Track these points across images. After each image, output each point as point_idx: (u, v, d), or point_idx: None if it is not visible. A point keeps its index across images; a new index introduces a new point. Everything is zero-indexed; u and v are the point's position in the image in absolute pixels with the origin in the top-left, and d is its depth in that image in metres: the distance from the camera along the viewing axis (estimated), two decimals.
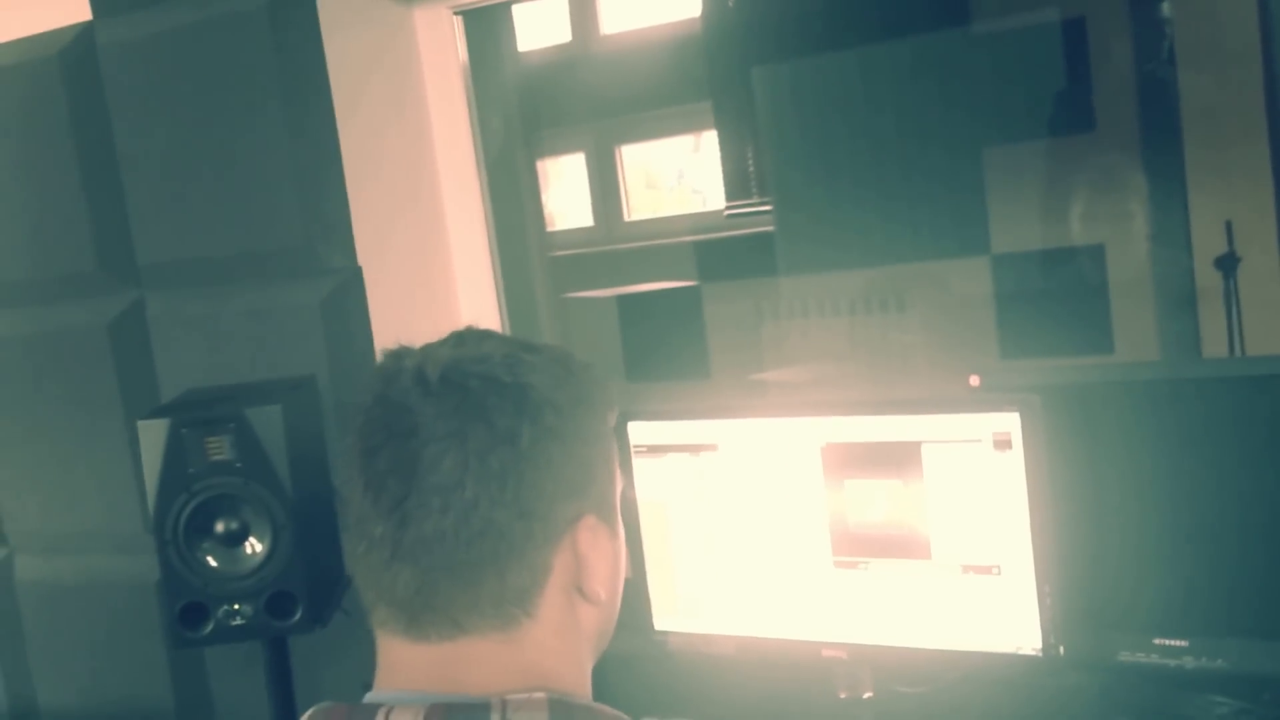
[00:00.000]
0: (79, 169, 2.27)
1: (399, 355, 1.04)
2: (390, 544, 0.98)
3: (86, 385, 2.32)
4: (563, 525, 1.02)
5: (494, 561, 0.98)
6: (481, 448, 0.98)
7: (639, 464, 1.86)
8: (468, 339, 1.06)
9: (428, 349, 1.04)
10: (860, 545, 1.72)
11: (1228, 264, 2.85)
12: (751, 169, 4.12)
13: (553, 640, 1.01)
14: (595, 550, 1.03)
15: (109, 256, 2.28)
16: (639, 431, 1.85)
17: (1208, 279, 2.89)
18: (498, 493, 0.98)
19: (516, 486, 0.98)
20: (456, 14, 2.29)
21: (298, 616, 1.83)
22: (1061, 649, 1.63)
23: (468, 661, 0.99)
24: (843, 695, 1.80)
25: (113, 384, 2.29)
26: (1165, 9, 3.01)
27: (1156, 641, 1.66)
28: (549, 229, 4.47)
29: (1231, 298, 2.85)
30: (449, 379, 1.00)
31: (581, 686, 1.05)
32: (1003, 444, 1.61)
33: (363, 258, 2.16)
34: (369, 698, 1.00)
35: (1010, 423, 1.61)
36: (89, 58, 2.24)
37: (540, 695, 0.96)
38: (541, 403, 1.01)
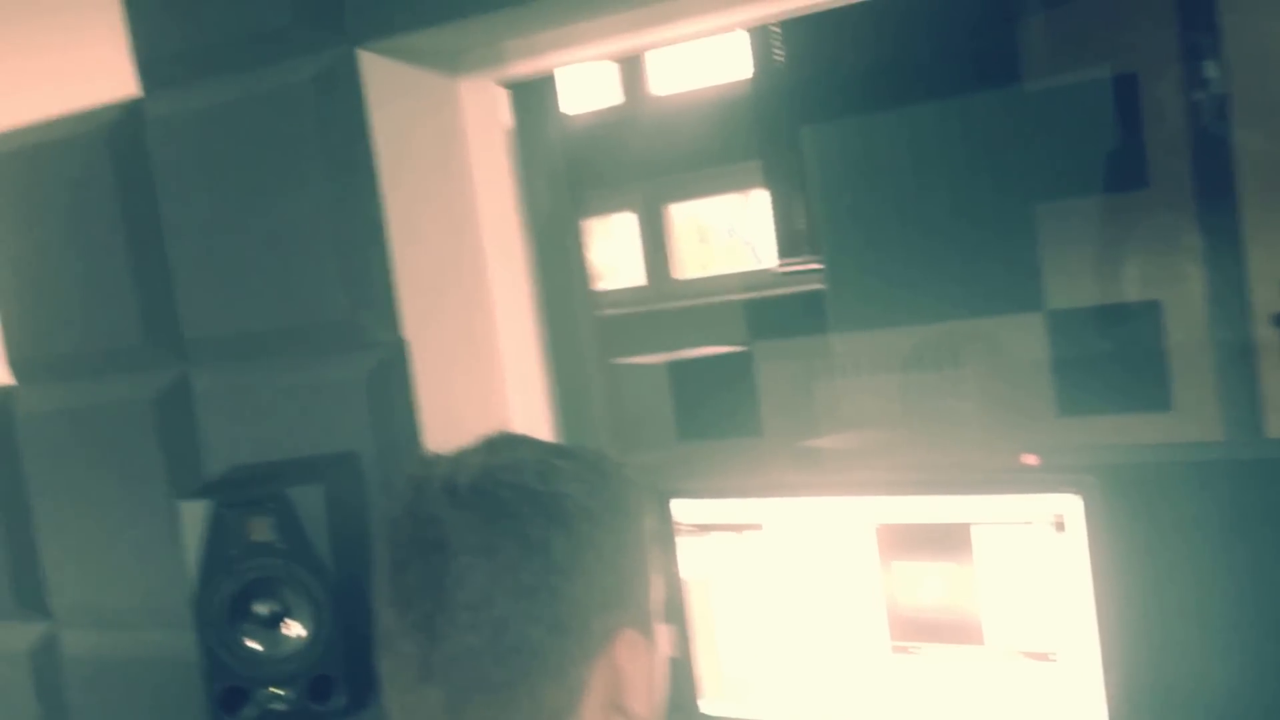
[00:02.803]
0: (125, 243, 2.28)
1: (429, 463, 1.01)
2: (419, 663, 0.95)
3: (131, 459, 2.31)
4: (600, 640, 0.98)
5: (527, 680, 0.95)
6: (513, 560, 0.95)
7: (683, 543, 1.82)
8: (499, 445, 1.03)
9: (458, 457, 1.01)
10: (913, 630, 1.67)
11: None
12: (802, 227, 4.10)
13: None
14: (634, 665, 0.99)
15: (155, 330, 2.29)
16: (683, 510, 1.82)
17: (1266, 335, 2.85)
18: (530, 607, 0.95)
19: (550, 600, 0.95)
20: (502, 85, 2.28)
21: (339, 700, 1.80)
22: None
23: None
24: None
25: (158, 458, 2.29)
26: (1219, 65, 2.97)
27: None
28: (599, 287, 4.47)
29: None
30: (479, 488, 0.97)
31: None
32: (1061, 526, 1.56)
33: (408, 331, 2.15)
34: None
35: (1068, 504, 1.56)
36: (137, 133, 2.25)
37: None
38: (575, 511, 0.97)
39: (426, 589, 0.95)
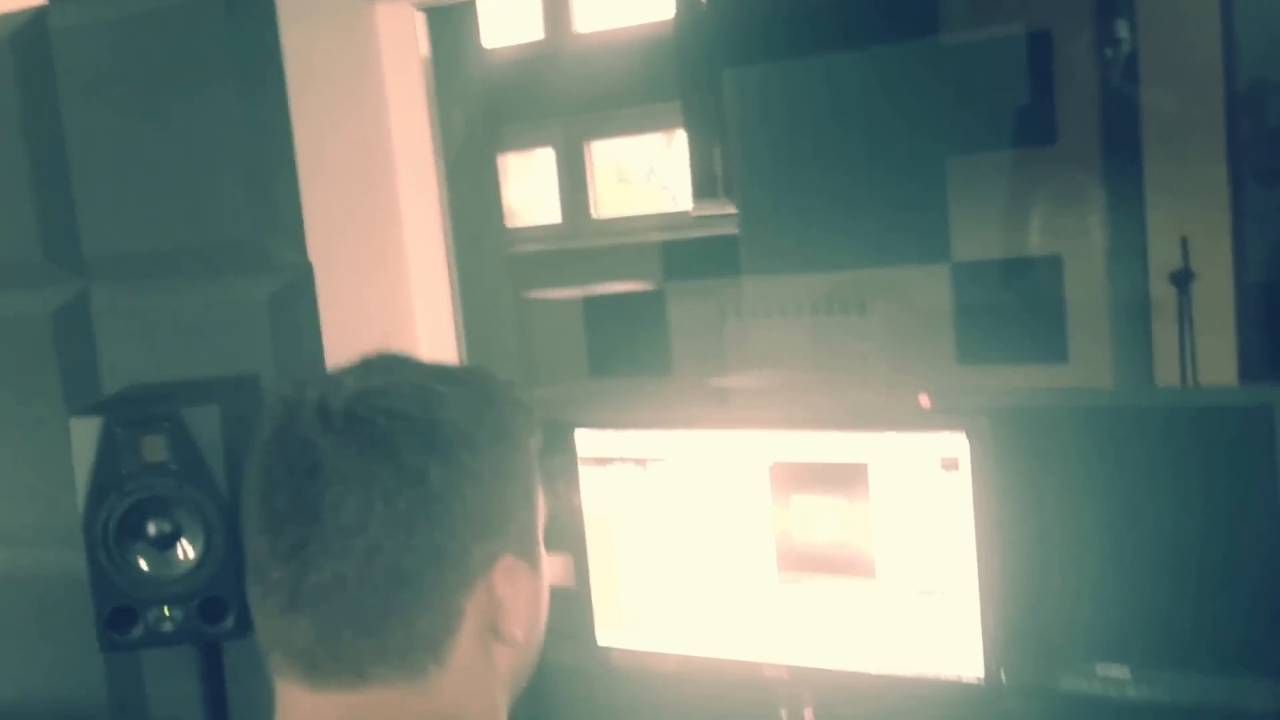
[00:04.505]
0: (27, 156, 2.23)
1: (301, 385, 0.97)
2: (288, 590, 0.93)
3: (27, 375, 2.27)
4: (477, 568, 0.96)
5: (400, 610, 0.93)
6: (388, 489, 0.92)
7: (585, 474, 1.83)
8: (376, 367, 1.00)
9: (333, 378, 0.98)
10: (806, 562, 1.70)
11: (1182, 279, 2.87)
12: (719, 171, 4.10)
13: (464, 686, 0.96)
14: (513, 590, 0.98)
15: (55, 246, 2.24)
16: (586, 441, 1.83)
17: (1163, 293, 2.91)
18: (405, 537, 0.92)
19: (426, 530, 0.93)
20: (420, 10, 2.25)
21: (229, 622, 1.79)
22: (1004, 675, 1.61)
23: (372, 711, 0.94)
24: (784, 715, 1.79)
25: (54, 375, 2.25)
26: (1130, 25, 3.00)
27: (1099, 668, 1.65)
28: (515, 225, 4.45)
29: (1185, 312, 2.87)
30: (354, 413, 0.94)
31: None
32: (950, 465, 1.60)
33: (314, 255, 2.13)
34: None
35: (958, 444, 1.59)
36: (41, 43, 2.19)
37: None
38: (455, 439, 0.95)
39: (298, 515, 0.93)
